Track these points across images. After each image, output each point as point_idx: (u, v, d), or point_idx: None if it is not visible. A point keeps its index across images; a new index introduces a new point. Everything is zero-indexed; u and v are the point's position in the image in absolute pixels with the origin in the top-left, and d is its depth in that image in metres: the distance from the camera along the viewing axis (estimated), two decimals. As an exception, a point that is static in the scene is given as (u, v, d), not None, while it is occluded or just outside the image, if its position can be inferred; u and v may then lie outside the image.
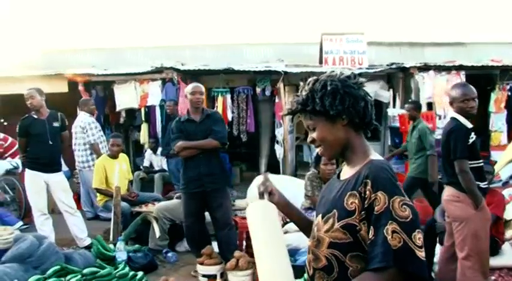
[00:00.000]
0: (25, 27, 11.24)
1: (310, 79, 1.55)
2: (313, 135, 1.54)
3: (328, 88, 1.47)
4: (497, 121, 7.68)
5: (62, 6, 11.66)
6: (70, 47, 10.88)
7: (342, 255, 1.39)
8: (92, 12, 11.46)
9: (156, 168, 7.84)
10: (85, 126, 6.53)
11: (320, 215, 1.50)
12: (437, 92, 7.66)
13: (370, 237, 1.33)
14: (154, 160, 7.91)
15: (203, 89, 4.60)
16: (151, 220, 5.09)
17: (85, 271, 3.93)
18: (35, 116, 5.02)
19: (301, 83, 1.59)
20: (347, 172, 1.53)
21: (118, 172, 5.43)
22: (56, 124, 5.10)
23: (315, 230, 1.51)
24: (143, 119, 7.97)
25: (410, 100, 6.80)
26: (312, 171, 4.79)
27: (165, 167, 7.69)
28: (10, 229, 4.79)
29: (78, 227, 5.19)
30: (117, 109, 8.12)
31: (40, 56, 10.57)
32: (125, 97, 7.95)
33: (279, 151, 7.86)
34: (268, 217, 1.56)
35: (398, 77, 8.12)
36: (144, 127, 7.98)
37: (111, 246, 4.77)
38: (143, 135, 7.91)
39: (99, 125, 6.98)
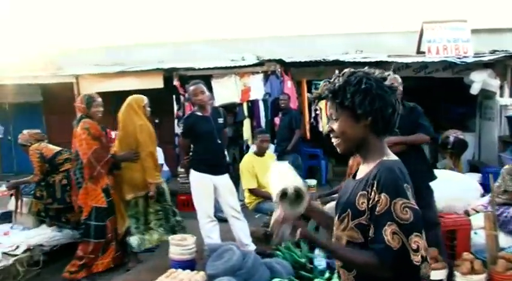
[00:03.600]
0: (88, 23, 10.70)
1: (346, 70, 1.53)
2: (333, 126, 1.55)
3: (363, 86, 1.46)
4: None
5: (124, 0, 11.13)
6: (135, 42, 10.36)
7: None
8: (155, 5, 10.95)
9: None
10: None
11: (337, 215, 1.56)
12: (552, 79, 7.38)
13: (370, 235, 1.40)
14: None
15: (399, 80, 4.23)
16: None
17: (317, 282, 3.56)
18: (199, 113, 4.59)
19: (337, 71, 1.56)
20: (362, 171, 1.56)
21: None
22: (220, 121, 4.68)
23: (334, 229, 1.58)
24: (246, 114, 7.55)
25: None
26: (511, 166, 4.50)
27: (273, 164, 7.28)
28: (191, 237, 4.39)
29: (244, 233, 4.79)
30: (216, 104, 7.67)
31: (104, 52, 10.07)
32: (225, 91, 7.54)
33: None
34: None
35: (507, 65, 7.78)
36: (247, 123, 7.56)
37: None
38: (246, 131, 7.49)
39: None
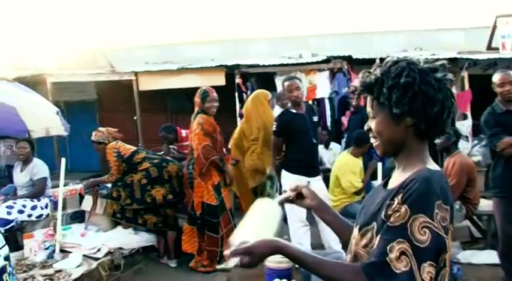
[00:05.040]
0: (138, 21, 10.59)
1: (389, 59, 1.28)
2: (371, 124, 1.33)
3: (402, 79, 1.21)
4: None
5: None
6: (185, 40, 10.18)
7: None
8: (205, 3, 10.78)
9: (328, 165, 7.07)
10: None
11: (357, 228, 1.32)
12: None
13: (373, 246, 1.19)
14: (325, 155, 7.12)
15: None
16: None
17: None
18: (294, 111, 4.32)
19: (378, 61, 1.33)
20: (396, 179, 1.30)
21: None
22: (315, 119, 4.41)
23: (352, 244, 1.35)
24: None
25: None
26: None
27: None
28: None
29: (334, 238, 4.46)
30: (280, 103, 7.40)
31: (155, 50, 9.91)
32: (290, 89, 7.23)
33: (464, 145, 7.09)
34: (268, 210, 1.50)
35: None
36: (313, 122, 7.25)
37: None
38: (312, 131, 7.19)
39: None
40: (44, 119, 5.90)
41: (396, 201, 1.17)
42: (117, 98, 8.71)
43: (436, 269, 1.14)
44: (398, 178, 1.29)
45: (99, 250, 4.42)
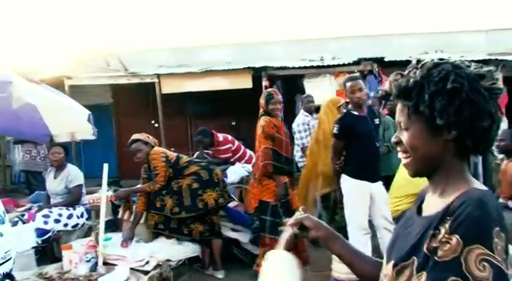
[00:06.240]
0: (151, 24, 10.31)
1: (427, 60, 1.06)
2: (402, 136, 1.10)
3: (449, 85, 1.00)
4: None
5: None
6: (200, 43, 9.93)
7: None
8: (218, 6, 10.55)
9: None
10: (299, 128, 5.99)
11: (392, 263, 1.09)
12: None
13: None
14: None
15: None
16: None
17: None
18: (355, 113, 4.10)
19: (414, 61, 1.09)
20: (432, 204, 1.09)
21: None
22: (376, 121, 4.22)
23: None
24: (341, 116, 7.06)
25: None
26: None
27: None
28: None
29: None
30: (309, 106, 7.19)
31: (168, 53, 9.63)
32: (318, 92, 7.02)
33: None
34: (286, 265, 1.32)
35: None
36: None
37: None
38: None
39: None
40: (70, 123, 5.56)
41: (443, 230, 0.97)
42: (134, 101, 8.42)
43: None
44: (436, 202, 1.08)
45: (147, 262, 4.13)
